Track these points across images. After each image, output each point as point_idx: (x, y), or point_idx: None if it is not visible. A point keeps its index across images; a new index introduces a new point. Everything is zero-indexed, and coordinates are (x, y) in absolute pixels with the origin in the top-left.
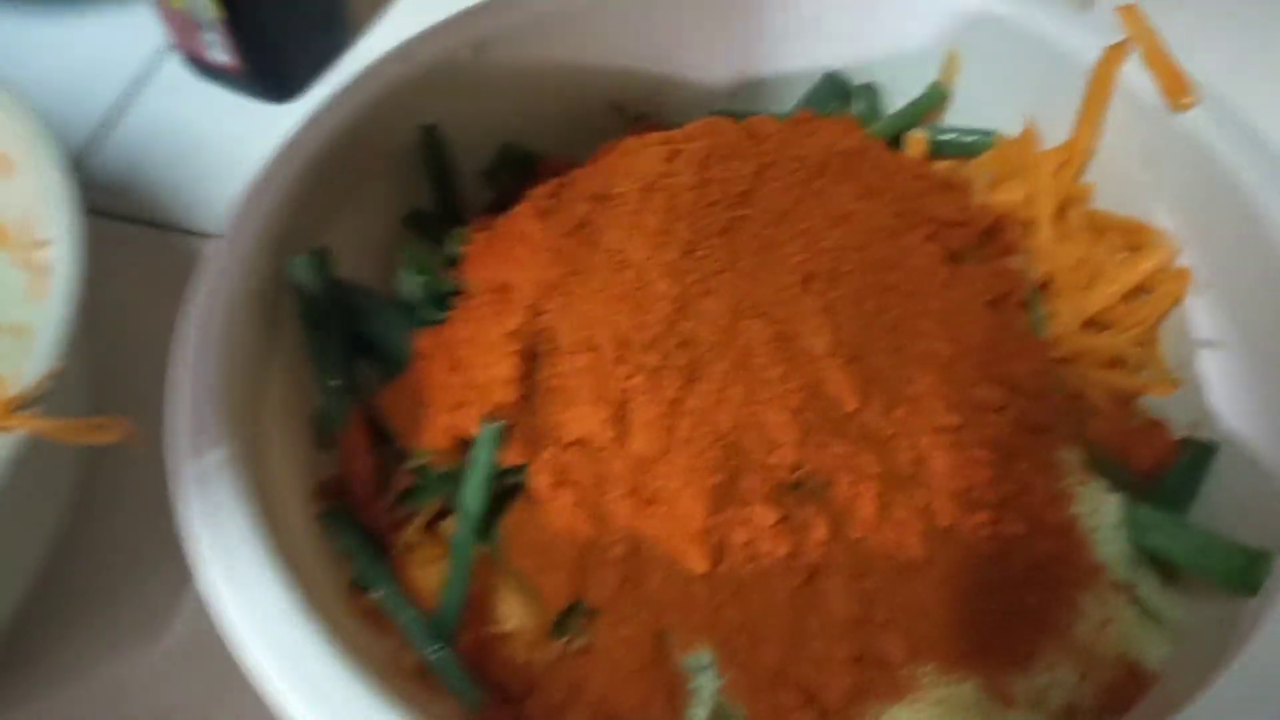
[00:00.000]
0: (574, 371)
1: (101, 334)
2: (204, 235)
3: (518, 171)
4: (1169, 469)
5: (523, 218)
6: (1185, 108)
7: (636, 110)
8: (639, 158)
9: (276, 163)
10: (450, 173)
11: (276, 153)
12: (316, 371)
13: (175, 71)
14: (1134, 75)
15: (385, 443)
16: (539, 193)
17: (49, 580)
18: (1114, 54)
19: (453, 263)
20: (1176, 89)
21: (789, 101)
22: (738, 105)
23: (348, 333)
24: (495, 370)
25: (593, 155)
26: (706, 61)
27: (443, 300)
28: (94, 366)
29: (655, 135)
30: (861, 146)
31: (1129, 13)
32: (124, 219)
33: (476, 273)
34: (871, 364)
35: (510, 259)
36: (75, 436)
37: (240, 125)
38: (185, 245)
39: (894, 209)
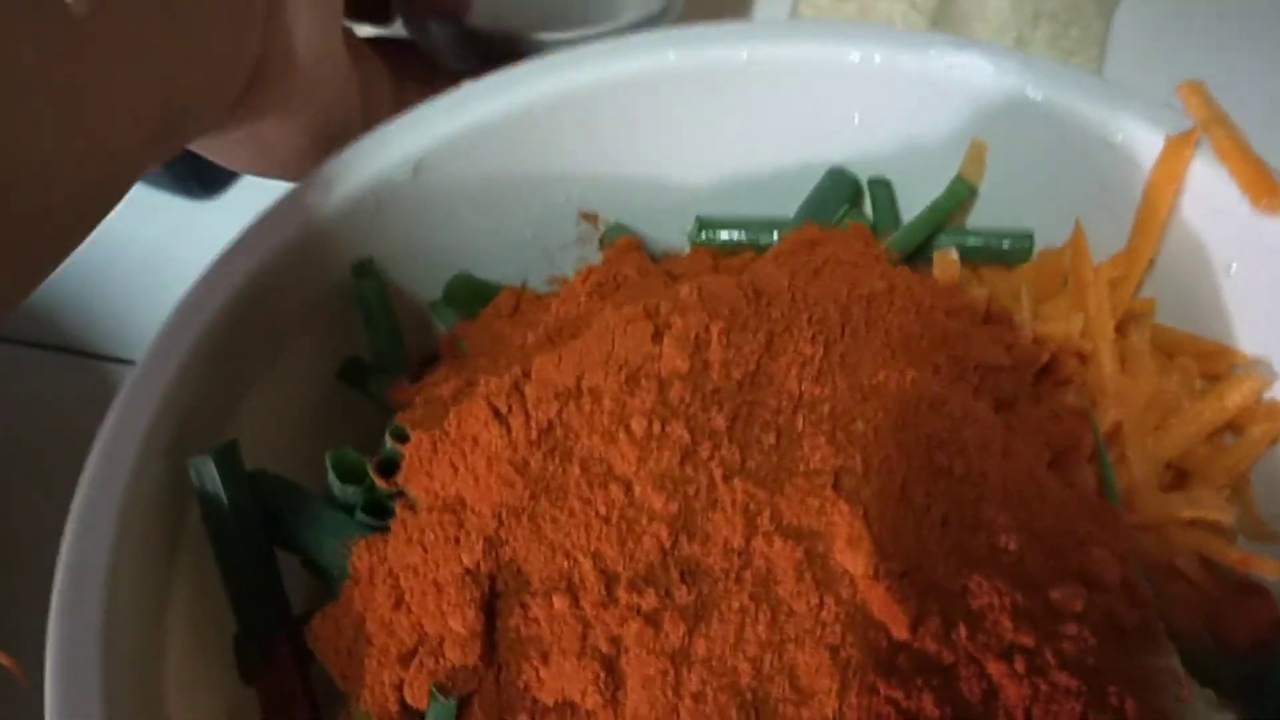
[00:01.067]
0: (549, 618)
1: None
2: (109, 359)
3: (471, 305)
4: (1273, 651)
5: (475, 421)
6: (1274, 209)
7: (612, 219)
8: (618, 339)
9: (167, 336)
10: (391, 314)
11: (167, 324)
12: (230, 595)
13: None
14: (1205, 171)
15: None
16: (494, 387)
17: None
18: (1179, 146)
19: (385, 467)
20: (1260, 187)
21: (788, 203)
22: (728, 209)
23: (265, 548)
24: (449, 622)
25: (562, 275)
26: (687, 160)
27: (382, 504)
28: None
29: (636, 308)
30: (885, 286)
31: (1195, 93)
32: (20, 343)
33: (421, 484)
34: (923, 577)
35: (462, 470)
36: None
37: (157, 227)
38: (86, 369)
39: (932, 363)
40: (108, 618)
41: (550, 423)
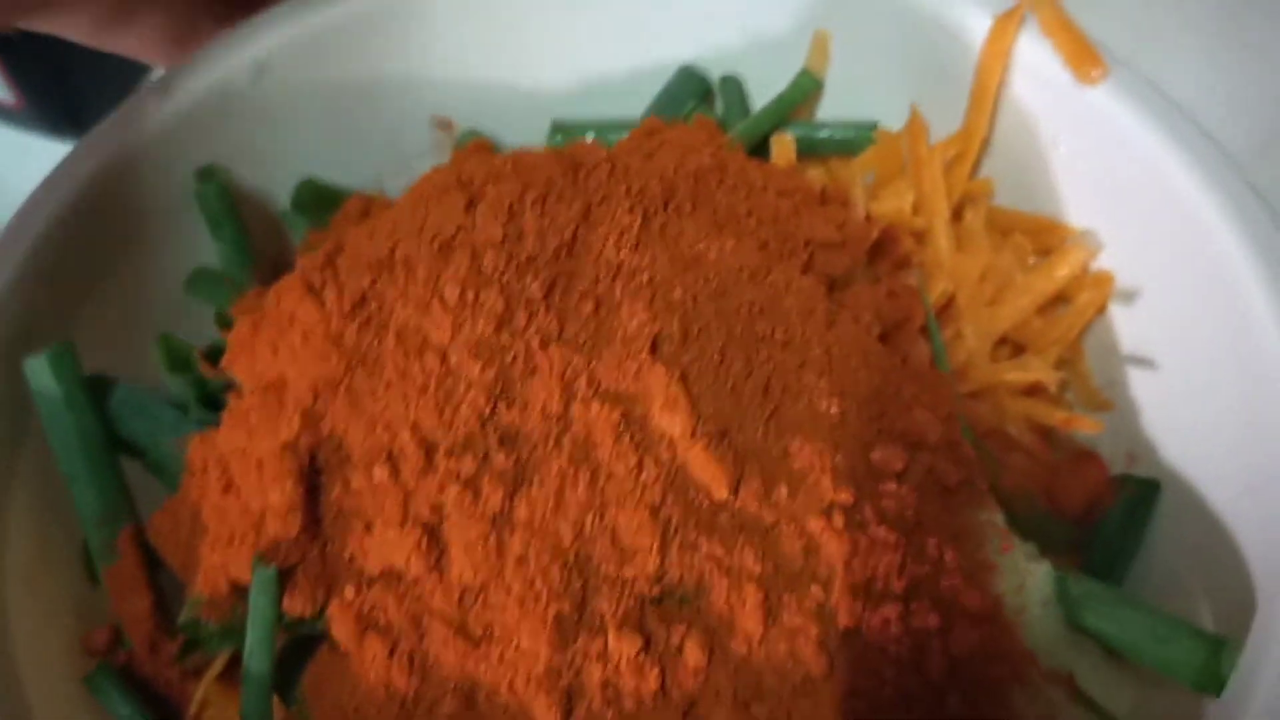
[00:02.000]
0: (370, 488)
1: None
2: None
3: (322, 213)
4: (1105, 512)
5: (290, 296)
6: (1094, 81)
7: (467, 125)
8: (431, 209)
9: (5, 241)
10: (237, 222)
11: (6, 229)
12: (73, 495)
13: None
14: (1032, 47)
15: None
16: (308, 263)
17: None
18: (1006, 24)
19: (212, 355)
20: (1083, 59)
21: (641, 103)
22: (583, 111)
23: (105, 444)
24: (269, 495)
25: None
26: (541, 63)
27: (216, 399)
28: None
29: (449, 173)
30: (715, 164)
31: None
32: None
33: (244, 366)
34: (743, 438)
35: (281, 348)
36: None
37: (30, 168)
38: None
39: (758, 239)
40: None
41: (364, 295)
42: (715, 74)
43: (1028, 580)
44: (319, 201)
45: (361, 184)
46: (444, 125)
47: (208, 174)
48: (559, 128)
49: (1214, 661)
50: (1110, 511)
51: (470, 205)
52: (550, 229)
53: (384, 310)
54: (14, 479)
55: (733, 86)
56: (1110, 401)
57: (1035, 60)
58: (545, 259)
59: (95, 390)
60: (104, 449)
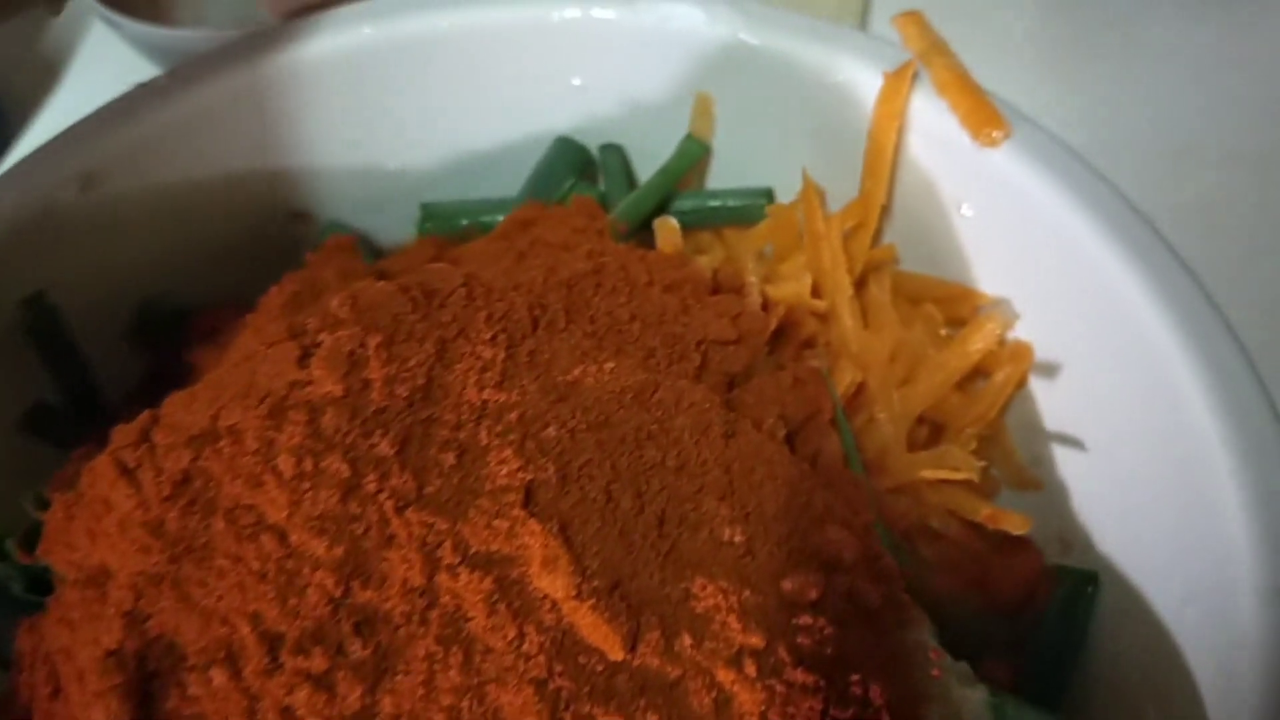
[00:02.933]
0: (210, 695)
1: None
2: None
3: (169, 333)
4: (1042, 603)
5: (103, 480)
6: (994, 142)
7: (327, 217)
8: (259, 367)
9: None
10: (73, 352)
11: None
12: None
13: None
14: (926, 106)
15: None
16: (121, 438)
17: None
18: (897, 82)
19: (28, 540)
20: (981, 119)
21: (517, 178)
22: (455, 191)
23: None
24: (92, 715)
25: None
26: (409, 143)
27: (43, 582)
28: None
29: (279, 328)
30: (592, 265)
31: (911, 23)
32: None
33: (60, 555)
34: (637, 586)
35: (99, 536)
36: None
37: None
38: None
39: (644, 348)
40: None
41: (185, 473)
42: (594, 144)
43: (963, 710)
44: (165, 321)
45: (215, 299)
46: (300, 217)
47: (36, 301)
48: (430, 213)
49: None
50: (1048, 609)
51: (304, 357)
52: (399, 375)
53: (210, 489)
54: None
55: (614, 156)
56: (1038, 480)
57: (931, 120)
58: (396, 410)
59: None
60: None
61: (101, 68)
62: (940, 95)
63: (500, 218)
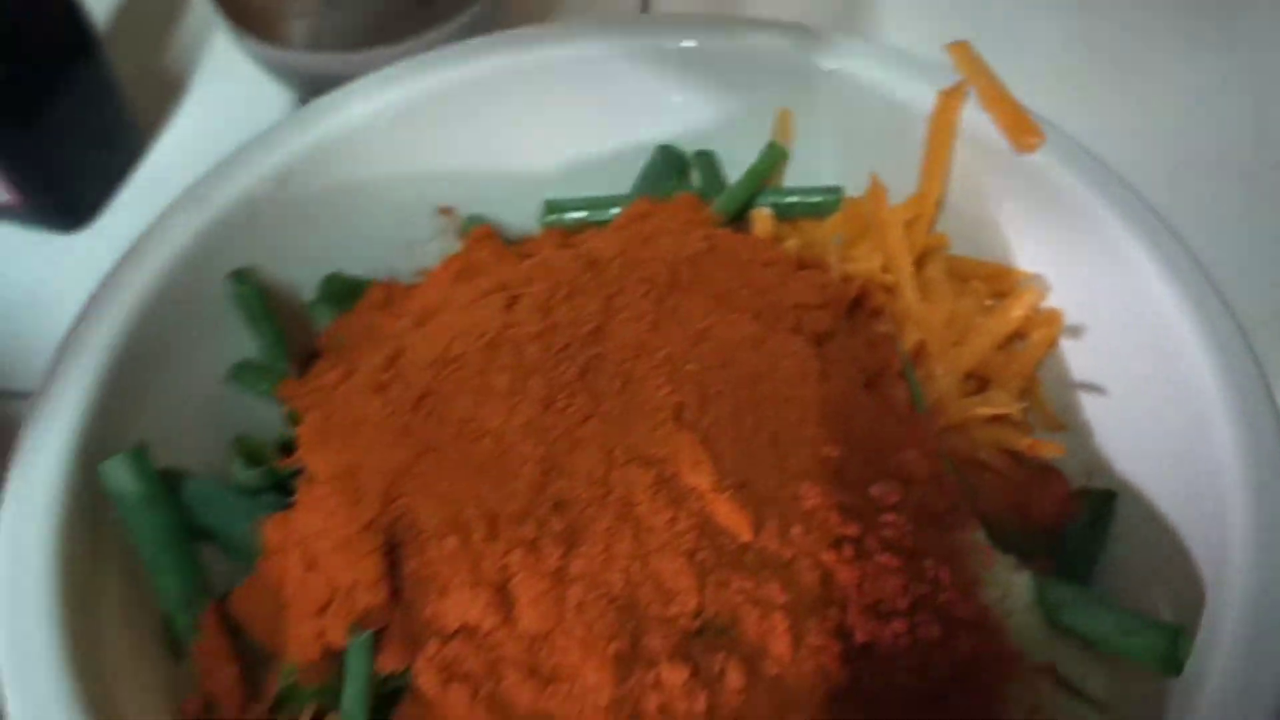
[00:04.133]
0: (444, 557)
1: None
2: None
3: (346, 301)
4: (1070, 521)
5: (359, 397)
6: (1031, 149)
7: (468, 211)
8: (477, 311)
9: (72, 350)
10: (271, 317)
11: (63, 348)
12: (155, 581)
13: None
14: (974, 118)
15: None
16: (374, 366)
17: None
18: (950, 99)
19: (285, 447)
20: (1019, 129)
21: (625, 179)
22: (573, 190)
23: (183, 533)
24: (357, 571)
25: (427, 267)
26: (532, 149)
27: (285, 483)
28: None
29: (491, 281)
30: (707, 246)
31: (960, 51)
32: None
33: (317, 457)
34: (759, 487)
35: (353, 441)
36: None
37: (32, 262)
38: None
39: (753, 309)
40: (50, 615)
41: (426, 389)
42: (689, 150)
43: (1011, 589)
44: (343, 292)
45: (377, 273)
46: (447, 213)
47: (242, 276)
48: (553, 207)
49: (1173, 648)
50: (1075, 521)
51: (510, 305)
52: (579, 320)
53: (444, 402)
54: (103, 579)
55: (707, 161)
56: (1066, 424)
57: (978, 130)
58: (577, 346)
59: (168, 483)
60: (183, 539)
61: (225, 81)
62: (985, 109)
63: (614, 211)
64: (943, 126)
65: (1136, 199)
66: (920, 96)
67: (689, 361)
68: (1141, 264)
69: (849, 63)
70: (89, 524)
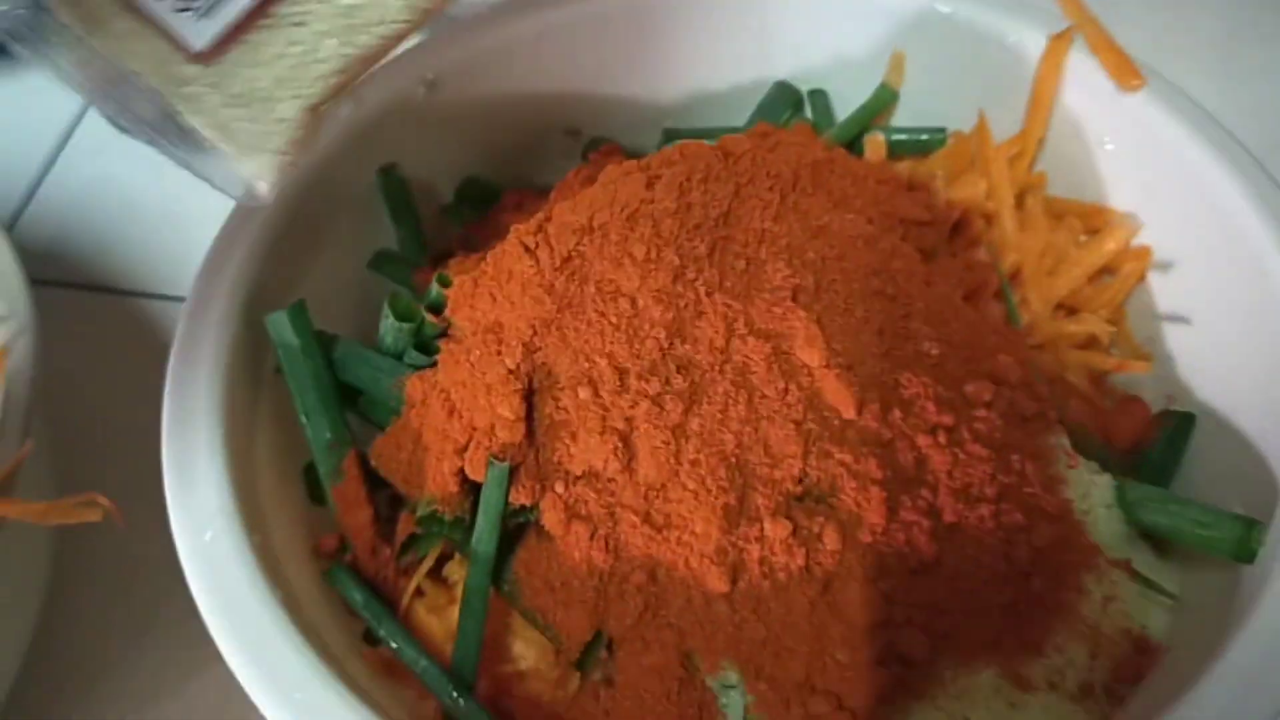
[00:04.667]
0: (576, 405)
1: (56, 406)
2: (146, 295)
3: (481, 205)
4: (1151, 443)
5: (510, 255)
6: (1134, 89)
7: (592, 134)
8: (620, 187)
9: (237, 220)
10: (413, 212)
11: (236, 210)
12: (305, 427)
13: (99, 130)
14: (1080, 62)
15: (378, 491)
16: (524, 229)
17: (32, 662)
18: (1059, 43)
19: (434, 307)
20: (1124, 72)
21: (740, 113)
22: (690, 121)
23: (334, 385)
24: (498, 410)
25: (554, 182)
26: (656, 79)
27: (427, 345)
28: (54, 441)
29: (633, 163)
30: (827, 157)
31: (1069, 1)
32: (62, 285)
33: (465, 314)
34: (865, 371)
35: (500, 298)
36: (60, 518)
37: (171, 179)
38: (127, 307)
39: (867, 215)
40: (211, 434)
41: (570, 253)
42: (804, 89)
43: (1092, 489)
44: (479, 195)
45: (511, 181)
46: (573, 133)
47: (389, 170)
48: (670, 134)
49: (1247, 537)
50: (1154, 440)
51: (650, 184)
52: (711, 202)
53: (585, 265)
54: (257, 419)
55: (820, 99)
56: (1150, 354)
57: (1083, 72)
58: (708, 226)
59: (321, 341)
60: (333, 391)
61: None
62: (1091, 53)
63: None
64: (1050, 69)
65: (1232, 140)
66: (1030, 40)
67: (808, 250)
68: (1235, 200)
69: (964, 7)
70: (249, 372)
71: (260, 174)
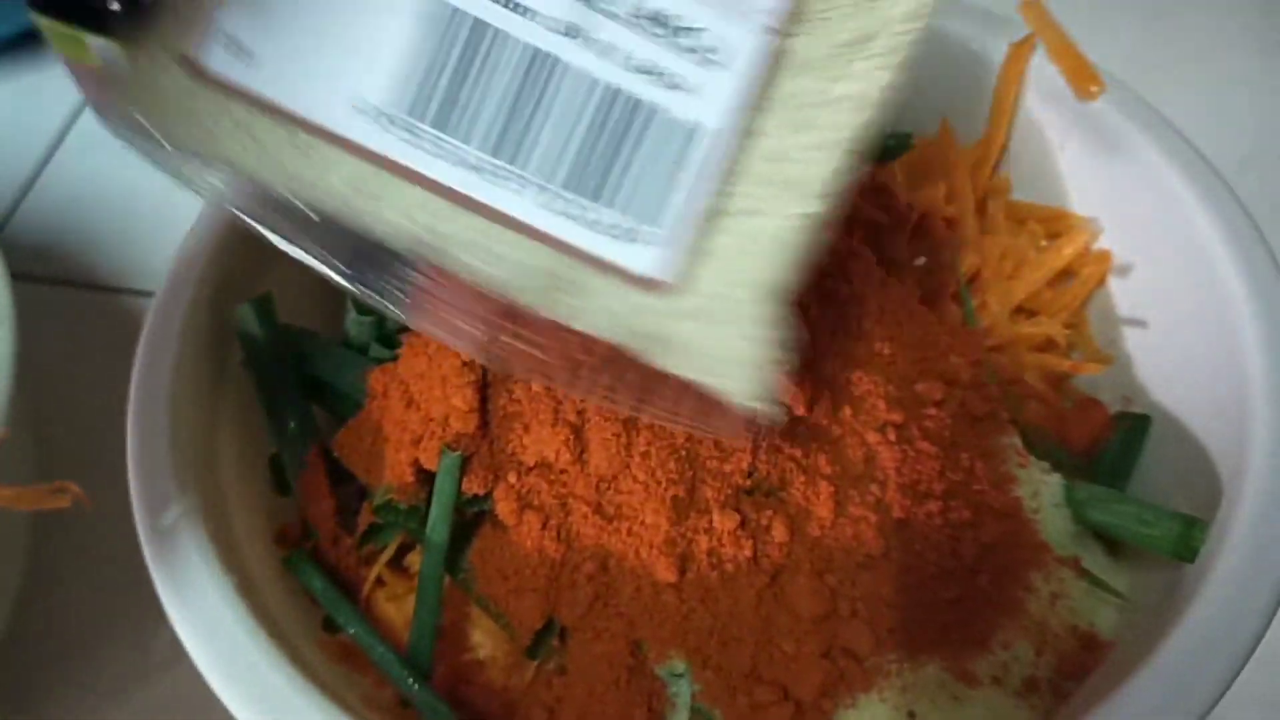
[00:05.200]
0: (529, 397)
1: (37, 399)
2: (134, 292)
3: None
4: (1106, 445)
5: None
6: (1093, 96)
7: None
8: None
9: (209, 214)
10: None
11: (207, 205)
12: (269, 418)
13: (91, 129)
14: (1041, 68)
15: (342, 484)
16: None
17: (6, 649)
18: (1020, 50)
19: None
20: (1083, 79)
21: None
22: None
23: (298, 377)
24: (453, 401)
25: None
26: None
27: (391, 339)
28: (35, 432)
29: None
30: None
31: (1031, 9)
32: (49, 282)
33: None
34: (817, 370)
35: None
36: (31, 503)
37: (163, 179)
38: (114, 304)
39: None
40: (173, 421)
41: None
42: None
43: (1041, 488)
44: None
45: None
46: None
47: None
48: None
49: (1188, 535)
50: (1109, 441)
51: None
52: None
53: None
54: (221, 409)
55: None
56: (1111, 356)
57: (1044, 79)
58: None
59: (287, 334)
60: (298, 383)
61: None
62: (1052, 60)
63: None
64: (1012, 75)
65: (1189, 147)
66: (993, 47)
67: None
68: (1191, 206)
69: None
70: (215, 363)
71: (756, 391)
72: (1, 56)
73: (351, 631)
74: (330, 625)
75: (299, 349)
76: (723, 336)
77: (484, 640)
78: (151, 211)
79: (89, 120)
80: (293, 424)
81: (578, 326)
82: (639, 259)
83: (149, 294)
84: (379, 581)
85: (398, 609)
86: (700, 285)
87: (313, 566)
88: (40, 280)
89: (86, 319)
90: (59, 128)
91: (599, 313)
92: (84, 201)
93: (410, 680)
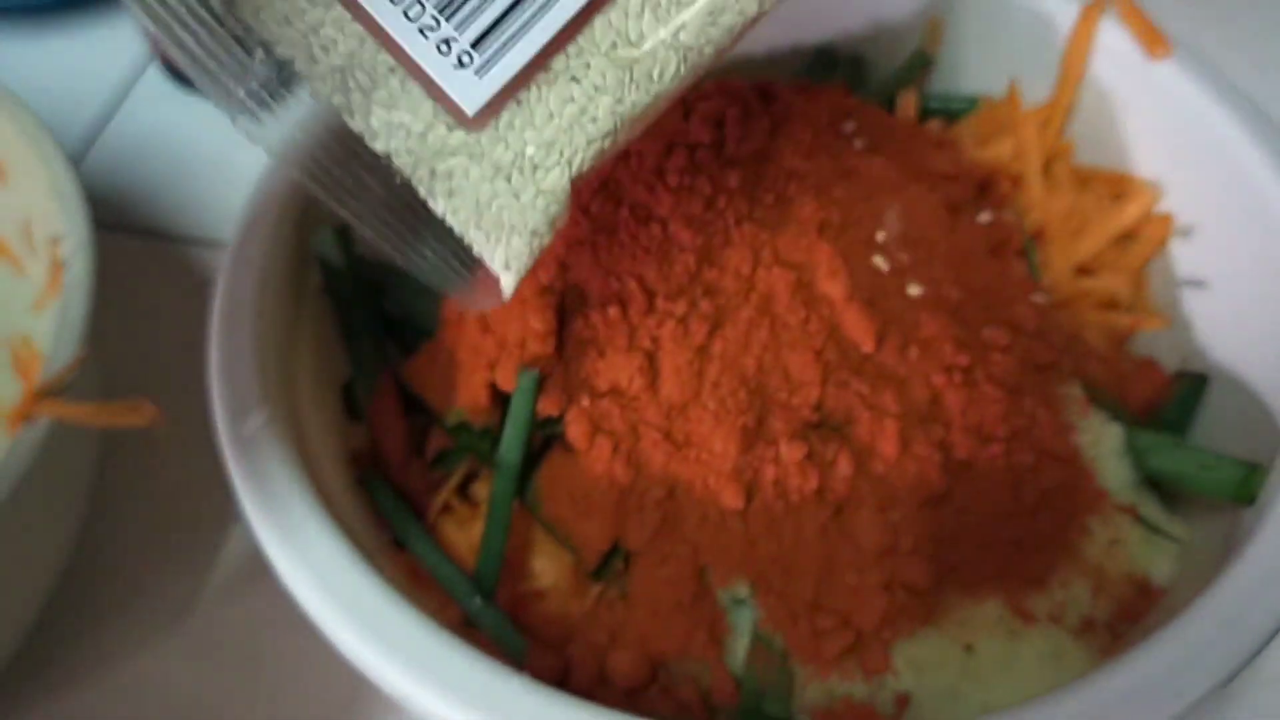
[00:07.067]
0: (605, 323)
1: (107, 343)
2: (197, 242)
3: None
4: (1164, 404)
5: None
6: (1161, 58)
7: None
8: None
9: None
10: None
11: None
12: (345, 343)
13: (157, 83)
14: (1110, 32)
15: (413, 412)
16: None
17: (68, 575)
18: (1090, 12)
19: None
20: (1151, 42)
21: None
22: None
23: (373, 307)
24: (531, 323)
25: None
26: None
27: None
28: (104, 373)
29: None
30: (861, 106)
31: None
32: (117, 229)
33: None
34: (885, 308)
35: None
36: (105, 420)
37: (225, 132)
38: (179, 253)
39: (896, 164)
40: (255, 337)
41: (606, 178)
42: (842, 55)
43: (1102, 436)
44: None
45: None
46: None
47: None
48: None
49: (1248, 480)
50: (1167, 399)
51: (687, 115)
52: (746, 136)
53: (620, 189)
54: (299, 331)
55: (856, 64)
56: (1169, 319)
57: (1113, 42)
58: (741, 160)
59: (364, 262)
60: (373, 310)
61: None
62: (1121, 23)
63: None
64: (1082, 38)
65: (1255, 109)
66: (1062, 10)
67: (836, 189)
68: (1258, 170)
69: None
70: (294, 285)
71: (512, 261)
72: (69, 12)
73: (419, 550)
74: (399, 544)
75: (374, 280)
76: (501, 190)
77: (545, 568)
78: (211, 163)
79: (154, 76)
80: (368, 349)
81: (377, 146)
82: (466, 90)
83: (209, 242)
84: (445, 508)
85: (463, 535)
86: (508, 136)
87: (384, 487)
88: (103, 227)
89: (146, 266)
90: (122, 82)
91: (402, 132)
92: (147, 154)
93: (475, 599)
